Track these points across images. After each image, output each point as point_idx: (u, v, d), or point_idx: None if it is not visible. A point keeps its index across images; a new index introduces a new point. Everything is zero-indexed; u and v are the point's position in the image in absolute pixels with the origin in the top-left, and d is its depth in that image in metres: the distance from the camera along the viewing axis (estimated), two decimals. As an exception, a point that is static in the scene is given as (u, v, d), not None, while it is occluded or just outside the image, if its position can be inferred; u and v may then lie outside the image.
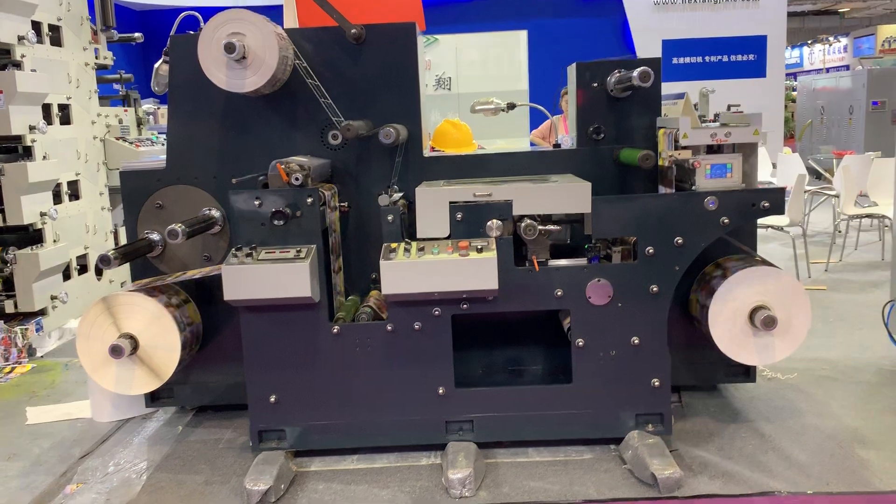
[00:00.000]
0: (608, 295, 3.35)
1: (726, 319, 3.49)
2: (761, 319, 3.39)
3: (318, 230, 3.31)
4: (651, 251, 3.32)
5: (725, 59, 12.76)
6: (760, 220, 6.55)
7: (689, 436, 3.63)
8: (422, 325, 3.35)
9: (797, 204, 6.38)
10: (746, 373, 3.91)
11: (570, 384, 3.43)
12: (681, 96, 3.88)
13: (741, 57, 12.74)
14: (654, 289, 3.34)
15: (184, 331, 3.51)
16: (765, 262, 3.49)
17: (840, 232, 7.66)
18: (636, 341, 3.37)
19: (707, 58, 12.77)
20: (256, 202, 3.28)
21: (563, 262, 3.40)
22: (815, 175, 10.84)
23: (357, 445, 3.49)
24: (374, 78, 3.79)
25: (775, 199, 3.30)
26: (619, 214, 3.31)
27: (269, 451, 3.41)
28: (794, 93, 17.08)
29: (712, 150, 3.45)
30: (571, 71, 3.87)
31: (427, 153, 3.91)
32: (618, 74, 3.72)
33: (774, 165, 9.29)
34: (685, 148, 3.38)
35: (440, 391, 3.40)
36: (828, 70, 20.57)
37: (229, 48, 3.27)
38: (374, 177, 3.81)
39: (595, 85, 3.80)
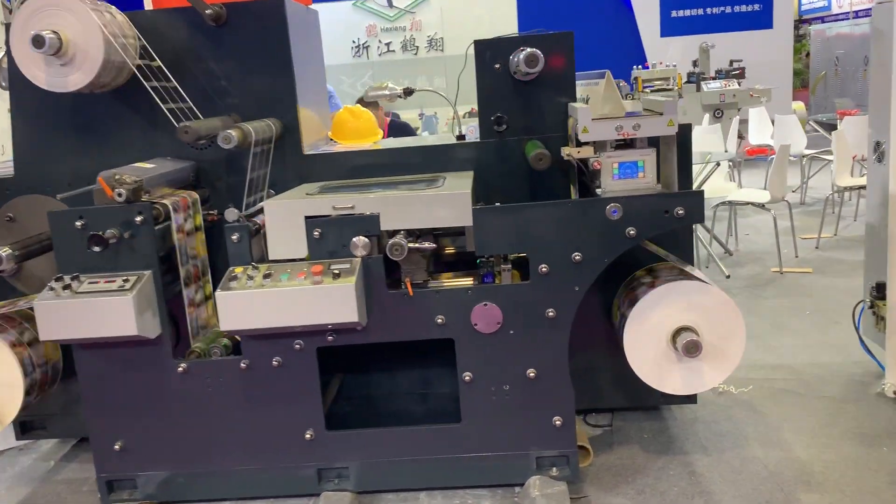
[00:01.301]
0: (497, 321, 2.83)
1: (644, 341, 2.96)
2: (683, 344, 2.85)
3: (152, 253, 2.81)
4: (545, 269, 2.79)
5: (728, 10, 11.92)
6: (739, 196, 5.95)
7: (607, 474, 3.13)
8: (282, 360, 2.87)
9: (779, 177, 5.74)
10: (685, 393, 3.37)
11: (459, 424, 2.94)
12: (602, 75, 3.29)
13: (745, 7, 11.88)
14: (551, 313, 2.82)
15: (31, 373, 3.06)
16: (691, 277, 2.94)
17: (833, 203, 7.00)
18: (532, 374, 2.86)
19: (708, 10, 11.94)
20: (79, 223, 2.79)
21: (444, 283, 2.88)
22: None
23: (221, 497, 3.04)
24: (238, 65, 3.26)
25: (692, 206, 2.73)
26: (504, 227, 2.77)
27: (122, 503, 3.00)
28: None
29: (627, 144, 2.89)
30: (471, 50, 3.29)
31: (309, 150, 3.39)
32: (521, 53, 3.14)
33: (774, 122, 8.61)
34: (586, 144, 2.82)
35: (307, 435, 2.93)
36: (856, 14, 19.34)
37: (37, 42, 2.76)
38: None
39: (497, 66, 3.23)
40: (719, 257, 6.17)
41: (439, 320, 2.83)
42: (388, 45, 15.08)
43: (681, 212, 2.71)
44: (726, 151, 7.13)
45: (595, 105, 2.99)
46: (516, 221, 2.76)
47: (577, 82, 3.31)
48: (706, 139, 6.94)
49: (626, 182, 2.85)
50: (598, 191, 2.88)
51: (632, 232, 2.73)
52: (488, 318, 2.83)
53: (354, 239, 2.77)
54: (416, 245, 2.74)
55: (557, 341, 2.84)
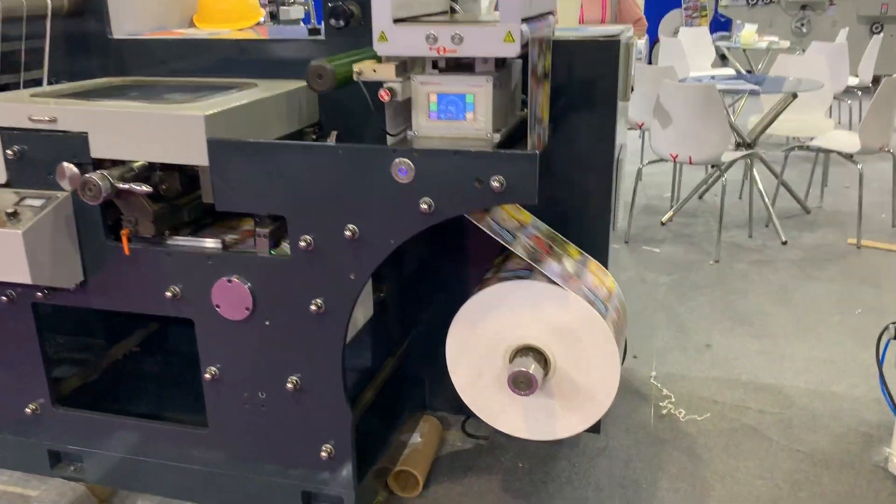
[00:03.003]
0: (245, 306, 1.99)
1: (473, 357, 2.04)
2: (510, 375, 1.91)
3: None
4: (309, 243, 1.88)
5: None
6: (824, 141, 4.57)
7: (426, 519, 2.29)
8: (-9, 311, 2.19)
9: (877, 120, 4.30)
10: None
11: (207, 430, 2.17)
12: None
13: None
14: (318, 304, 1.93)
15: None
16: (548, 279, 1.93)
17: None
18: (293, 384, 2.02)
19: None
20: None
21: (182, 243, 2.05)
22: None
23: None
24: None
25: (521, 176, 1.70)
26: (251, 174, 1.87)
27: None
28: None
29: (460, 66, 1.87)
30: None
31: (119, 35, 2.56)
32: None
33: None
34: (388, 60, 1.82)
35: (29, 409, 2.27)
36: None
37: None
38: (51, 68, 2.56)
39: (343, -70, 2.22)
40: (791, 216, 4.87)
41: (171, 293, 2.02)
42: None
43: (499, 183, 1.69)
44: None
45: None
46: (266, 168, 1.86)
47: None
48: (815, 64, 5.43)
49: (447, 125, 1.85)
50: (399, 137, 1.90)
51: (425, 206, 1.75)
52: (233, 300, 1.99)
53: (61, 165, 1.98)
54: (126, 186, 1.91)
55: (329, 344, 1.97)
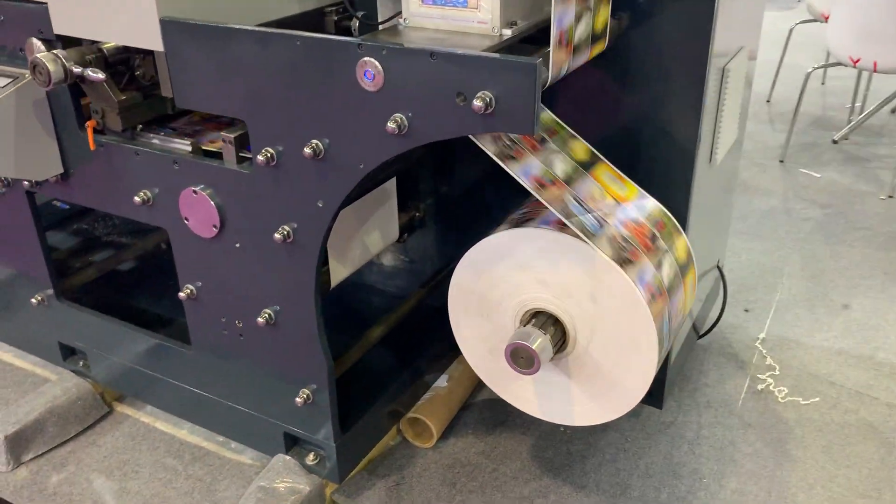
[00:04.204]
0: (212, 223, 1.69)
1: (478, 310, 1.65)
2: (510, 347, 1.51)
3: None
4: (271, 157, 1.53)
5: None
6: None
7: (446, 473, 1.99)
8: (-11, 195, 2.06)
9: None
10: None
11: (189, 348, 1.95)
12: None
13: None
14: (286, 231, 1.59)
15: None
16: (581, 234, 1.47)
17: None
18: (265, 319, 1.73)
19: None
20: None
21: (152, 137, 1.75)
22: None
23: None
24: None
25: (514, 94, 1.21)
26: (208, 68, 1.52)
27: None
28: None
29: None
30: None
31: None
32: None
33: None
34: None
35: (34, 300, 2.16)
36: None
37: None
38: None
39: None
40: None
41: (141, 198, 1.76)
42: None
43: (479, 102, 1.22)
44: None
45: None
46: (223, 59, 1.49)
47: None
48: None
49: (442, 13, 1.38)
50: (391, 23, 1.44)
51: (393, 125, 1.32)
52: (200, 214, 1.69)
53: (29, 41, 1.73)
54: (79, 71, 1.62)
55: (300, 279, 1.64)
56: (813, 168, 3.76)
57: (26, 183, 1.95)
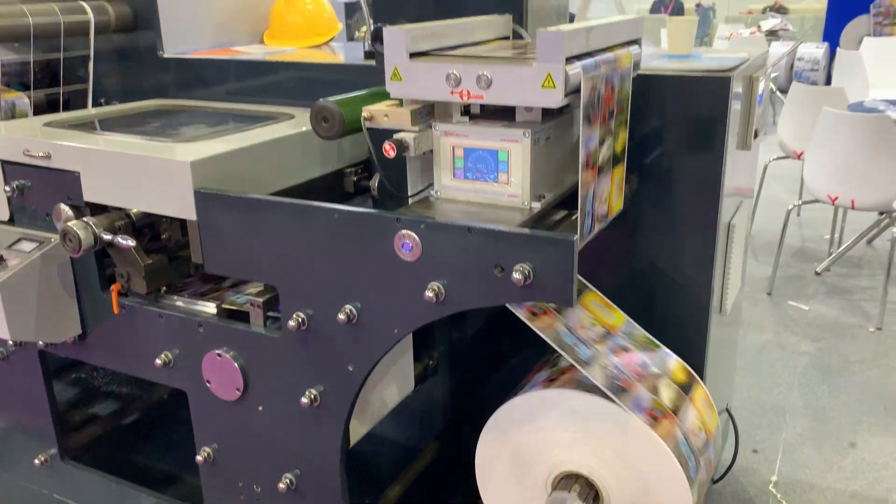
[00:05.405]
0: (236, 386, 1.68)
1: (507, 474, 1.63)
2: (544, 515, 1.48)
3: None
4: (302, 322, 1.54)
5: None
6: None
7: None
8: (3, 352, 2.03)
9: None
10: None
11: (202, 513, 1.89)
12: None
13: None
14: (313, 395, 1.58)
15: None
16: (607, 396, 1.48)
17: None
18: (288, 484, 1.69)
19: None
20: None
21: (179, 304, 1.76)
22: None
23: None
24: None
25: (552, 268, 1.26)
26: (240, 236, 1.55)
27: None
28: None
29: (498, 111, 1.45)
30: None
31: (170, 53, 2.35)
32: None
33: None
34: (409, 102, 1.44)
35: (38, 460, 2.09)
36: None
37: None
38: (103, 87, 2.42)
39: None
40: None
41: (162, 360, 1.75)
42: (685, -84, 12.79)
43: (519, 275, 1.26)
44: None
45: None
46: (256, 228, 1.53)
47: None
48: None
49: (475, 187, 1.44)
50: (422, 195, 1.51)
51: (431, 294, 1.35)
52: (223, 377, 1.68)
53: (58, 206, 1.76)
54: (110, 238, 1.65)
55: (326, 444, 1.62)
56: (800, 300, 3.85)
57: (41, 343, 1.93)
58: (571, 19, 1.91)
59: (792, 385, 3.07)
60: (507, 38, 1.75)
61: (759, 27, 9.16)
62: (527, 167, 1.38)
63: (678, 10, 12.59)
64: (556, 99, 1.27)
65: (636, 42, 1.61)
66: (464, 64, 1.33)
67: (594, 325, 1.59)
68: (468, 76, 1.33)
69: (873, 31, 8.53)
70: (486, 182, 1.42)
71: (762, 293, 3.93)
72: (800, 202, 4.14)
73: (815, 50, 9.48)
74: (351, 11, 3.99)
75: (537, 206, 1.41)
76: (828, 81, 9.39)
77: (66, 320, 1.84)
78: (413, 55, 1.39)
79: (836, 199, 3.60)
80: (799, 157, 4.40)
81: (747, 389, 3.03)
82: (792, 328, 3.56)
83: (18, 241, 1.80)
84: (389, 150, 1.39)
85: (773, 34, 8.98)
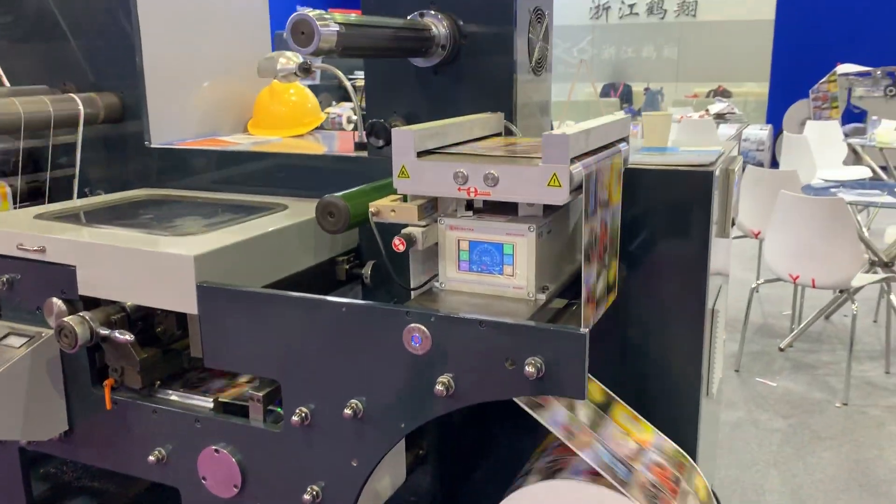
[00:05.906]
0: (233, 483, 1.64)
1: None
2: None
3: None
4: (305, 417, 1.53)
5: None
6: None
7: None
8: (-22, 452, 1.95)
9: None
10: None
11: None
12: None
13: None
14: (315, 491, 1.56)
15: None
16: (606, 482, 1.49)
17: None
18: (285, 585, 1.64)
19: None
20: None
21: (173, 398, 1.74)
22: None
23: None
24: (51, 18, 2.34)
25: (563, 361, 1.29)
26: (242, 330, 1.55)
27: None
28: None
29: (501, 206, 1.50)
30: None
31: (157, 143, 2.37)
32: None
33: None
34: (414, 197, 1.49)
35: (10, 565, 2.00)
36: None
37: None
38: (87, 175, 2.42)
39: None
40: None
41: (155, 456, 1.71)
42: (631, 7, 13.43)
43: (531, 368, 1.28)
44: None
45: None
46: (258, 322, 1.53)
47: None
48: None
49: (480, 279, 1.48)
50: (426, 287, 1.53)
51: (441, 387, 1.37)
52: (220, 474, 1.65)
53: (49, 300, 1.74)
54: (107, 333, 1.63)
55: (326, 541, 1.59)
56: (767, 377, 3.94)
57: (24, 441, 1.87)
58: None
59: (769, 463, 3.11)
60: (499, 134, 1.82)
61: (707, 111, 9.58)
62: (532, 260, 1.42)
63: (627, 94, 13.10)
64: (562, 197, 1.32)
65: (625, 140, 1.69)
66: (472, 163, 1.38)
67: (627, 440, 1.61)
68: (475, 175, 1.38)
69: (813, 115, 9.00)
70: (490, 274, 1.46)
71: (730, 370, 4.01)
72: (761, 281, 4.28)
73: (759, 132, 9.95)
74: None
75: (542, 297, 1.45)
76: (773, 160, 9.83)
77: (53, 417, 1.79)
78: (419, 154, 1.44)
79: (798, 277, 3.74)
80: (756, 236, 4.56)
81: (726, 468, 3.06)
82: (762, 405, 3.63)
83: (6, 335, 1.77)
84: (399, 244, 1.42)
85: (720, 117, 9.40)
